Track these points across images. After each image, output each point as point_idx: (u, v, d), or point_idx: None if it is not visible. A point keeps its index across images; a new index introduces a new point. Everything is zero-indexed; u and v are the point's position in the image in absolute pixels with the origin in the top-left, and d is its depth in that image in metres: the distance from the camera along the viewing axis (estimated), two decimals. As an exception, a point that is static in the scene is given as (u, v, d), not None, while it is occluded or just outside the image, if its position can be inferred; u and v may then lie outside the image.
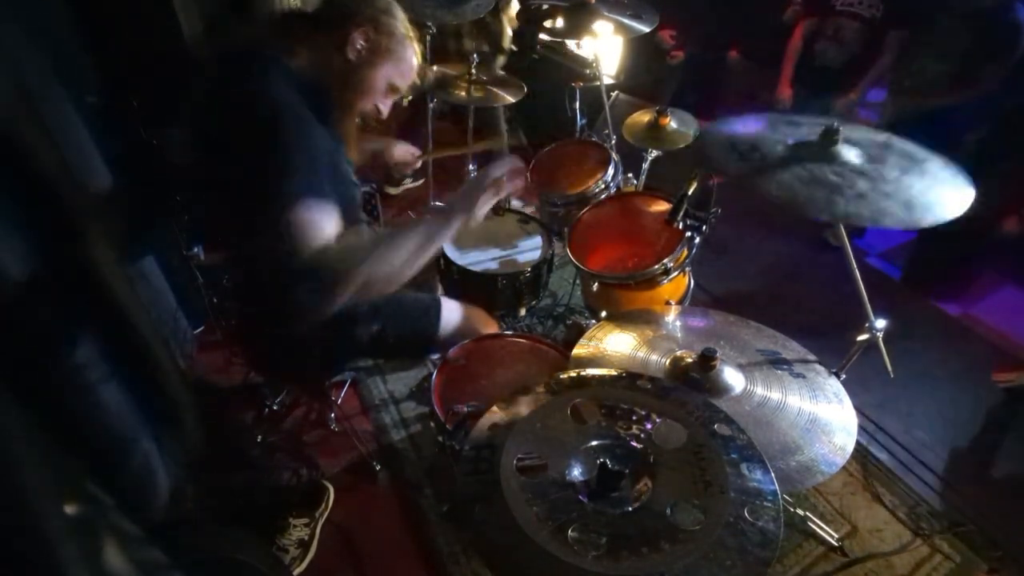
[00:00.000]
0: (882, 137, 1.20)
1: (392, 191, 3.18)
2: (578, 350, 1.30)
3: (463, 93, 2.20)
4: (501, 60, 3.02)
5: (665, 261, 1.57)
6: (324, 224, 1.12)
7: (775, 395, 1.16)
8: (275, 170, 1.08)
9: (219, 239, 1.49)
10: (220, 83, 1.20)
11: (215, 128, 1.20)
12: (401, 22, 1.27)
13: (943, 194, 1.06)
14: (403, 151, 1.68)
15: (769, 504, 0.80)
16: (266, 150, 1.09)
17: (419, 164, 1.71)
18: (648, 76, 3.37)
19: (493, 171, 1.27)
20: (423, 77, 1.40)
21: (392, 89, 1.32)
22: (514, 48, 3.03)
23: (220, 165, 1.21)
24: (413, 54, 1.30)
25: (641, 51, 3.29)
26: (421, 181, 3.10)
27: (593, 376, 1.05)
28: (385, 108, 1.34)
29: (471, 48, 2.92)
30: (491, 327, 1.61)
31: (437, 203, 2.90)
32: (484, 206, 1.27)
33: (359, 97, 1.29)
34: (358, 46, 1.22)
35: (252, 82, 1.15)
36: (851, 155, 1.12)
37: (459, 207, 1.25)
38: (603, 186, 1.99)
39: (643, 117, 2.08)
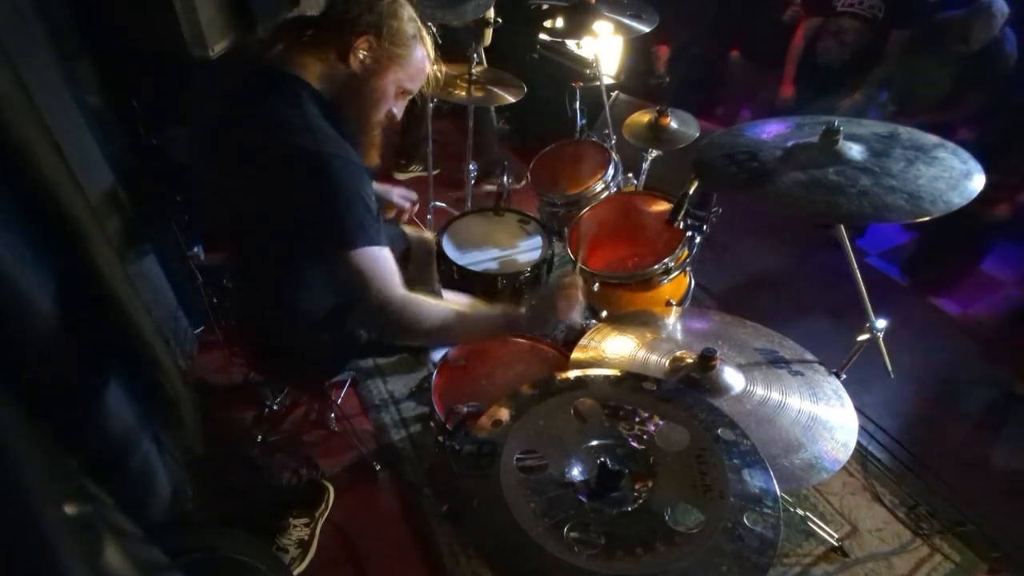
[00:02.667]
0: (887, 129, 1.18)
1: (399, 176, 3.22)
2: (577, 353, 1.30)
3: (463, 93, 2.20)
4: (488, 33, 2.92)
5: (665, 261, 1.57)
6: (384, 269, 1.13)
7: (775, 395, 1.16)
8: (331, 214, 1.08)
9: (227, 242, 1.47)
10: (251, 107, 1.16)
11: (249, 158, 1.16)
12: (408, 22, 1.20)
13: (953, 181, 1.02)
14: (401, 198, 1.70)
15: (769, 511, 0.80)
16: (320, 195, 1.08)
17: (416, 208, 1.73)
18: (645, 80, 3.38)
19: (563, 307, 1.28)
20: (437, 77, 1.35)
21: (403, 92, 1.26)
22: (499, 20, 2.95)
23: (257, 195, 1.19)
24: (423, 55, 1.25)
25: (639, 56, 3.29)
26: (436, 172, 3.04)
27: (597, 376, 1.05)
28: (399, 111, 1.30)
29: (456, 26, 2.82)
30: None
31: (437, 202, 2.90)
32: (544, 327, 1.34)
33: (370, 108, 1.24)
34: (360, 56, 1.17)
35: (290, 115, 1.11)
36: (854, 152, 1.11)
37: (527, 323, 1.28)
38: (603, 186, 1.99)
39: (643, 117, 2.08)
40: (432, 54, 1.28)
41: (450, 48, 2.04)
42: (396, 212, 1.70)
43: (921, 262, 2.90)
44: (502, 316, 1.26)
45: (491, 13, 2.80)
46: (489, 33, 2.92)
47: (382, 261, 1.13)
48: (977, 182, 1.01)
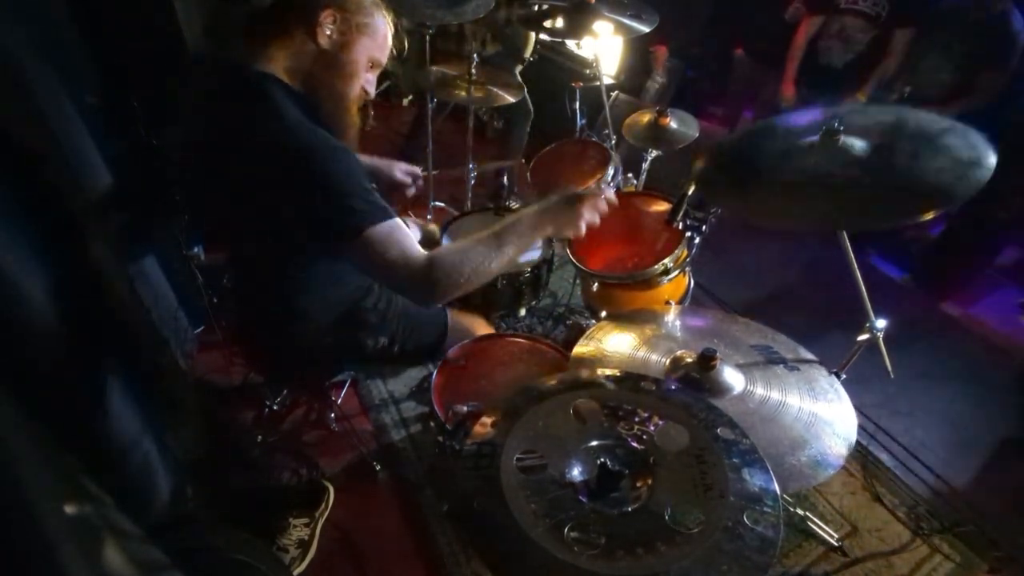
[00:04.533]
0: (891, 117, 1.15)
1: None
2: (578, 349, 1.30)
3: (463, 93, 2.20)
4: (519, 68, 2.99)
5: (665, 261, 1.57)
6: (400, 239, 1.10)
7: (775, 393, 1.16)
8: (332, 204, 1.07)
9: (227, 242, 1.46)
10: (225, 111, 1.16)
11: (235, 163, 1.16)
12: None
13: (958, 172, 0.98)
14: (404, 173, 1.66)
15: (769, 510, 0.80)
16: (315, 189, 1.07)
17: (420, 184, 1.69)
18: (643, 81, 3.39)
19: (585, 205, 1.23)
20: (401, 49, 1.32)
21: (373, 64, 1.26)
22: (532, 59, 2.97)
23: (251, 198, 1.18)
24: (385, 22, 1.24)
25: (639, 56, 3.30)
26: (436, 172, 2.99)
27: (596, 376, 1.04)
28: (371, 87, 1.28)
29: (490, 53, 2.88)
30: (487, 332, 1.61)
31: (437, 203, 2.90)
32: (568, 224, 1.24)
33: (345, 83, 1.22)
34: (328, 31, 1.16)
35: (265, 115, 1.10)
36: (856, 149, 1.09)
37: (553, 213, 1.21)
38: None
39: (643, 117, 2.08)
40: (391, 21, 1.26)
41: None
42: (397, 189, 1.66)
43: (924, 262, 2.89)
44: (528, 216, 1.20)
45: (528, 51, 2.86)
46: (519, 68, 2.95)
47: (396, 232, 1.10)
48: (984, 170, 0.96)
